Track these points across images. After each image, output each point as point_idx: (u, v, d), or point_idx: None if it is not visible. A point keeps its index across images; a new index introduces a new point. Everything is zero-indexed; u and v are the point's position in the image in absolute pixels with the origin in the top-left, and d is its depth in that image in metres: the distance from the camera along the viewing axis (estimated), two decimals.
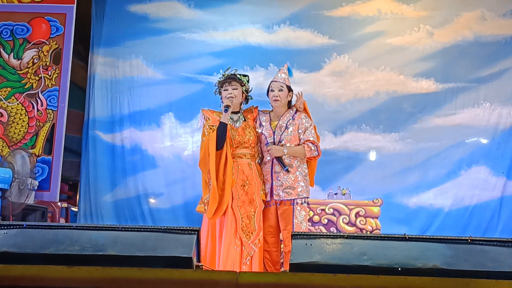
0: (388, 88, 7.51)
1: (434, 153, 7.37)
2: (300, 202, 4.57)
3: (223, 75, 4.75)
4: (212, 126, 4.59)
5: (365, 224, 6.27)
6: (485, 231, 6.93)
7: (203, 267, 2.75)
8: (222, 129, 4.51)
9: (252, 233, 4.47)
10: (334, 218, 6.29)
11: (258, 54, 7.56)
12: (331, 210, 6.33)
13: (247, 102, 4.84)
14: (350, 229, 6.23)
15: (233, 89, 4.67)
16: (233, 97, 4.62)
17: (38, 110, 6.91)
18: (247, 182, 4.56)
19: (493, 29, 7.53)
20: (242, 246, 4.44)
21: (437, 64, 7.54)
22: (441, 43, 7.55)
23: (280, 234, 4.65)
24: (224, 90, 4.70)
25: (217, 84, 4.78)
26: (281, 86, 4.70)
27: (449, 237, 2.70)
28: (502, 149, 7.30)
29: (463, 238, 2.68)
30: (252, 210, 4.53)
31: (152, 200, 7.35)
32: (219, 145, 4.49)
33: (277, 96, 4.68)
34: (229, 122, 4.60)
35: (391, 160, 7.38)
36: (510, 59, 7.46)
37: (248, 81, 4.77)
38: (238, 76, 4.71)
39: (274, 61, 7.36)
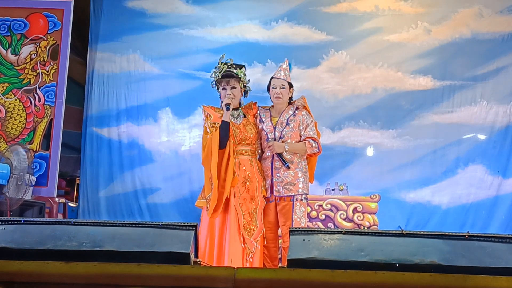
0: (385, 84, 7.52)
1: (431, 150, 7.39)
2: (299, 198, 4.58)
3: (218, 66, 4.70)
4: (214, 123, 4.56)
5: (362, 219, 6.28)
6: (480, 230, 6.94)
7: (201, 262, 2.75)
8: (224, 128, 4.49)
9: (253, 230, 4.47)
10: (331, 214, 6.31)
11: (256, 51, 7.56)
12: (329, 206, 6.34)
13: (246, 95, 4.82)
14: (347, 225, 6.24)
15: (232, 88, 4.64)
16: (233, 98, 4.60)
17: (35, 105, 6.89)
18: (248, 179, 4.55)
19: (490, 26, 7.53)
20: (244, 243, 4.43)
21: (435, 62, 7.55)
22: (439, 40, 7.56)
23: (279, 230, 4.66)
24: (222, 89, 4.67)
25: (212, 75, 4.74)
26: (282, 83, 4.71)
27: (446, 233, 2.70)
28: (499, 148, 7.32)
29: (461, 234, 2.68)
30: (254, 207, 4.52)
31: (149, 196, 7.34)
32: (222, 144, 4.47)
33: (279, 94, 4.69)
34: (230, 119, 4.59)
35: (388, 156, 7.39)
36: (507, 56, 7.47)
37: (244, 73, 4.73)
38: (234, 72, 4.67)
39: (272, 57, 7.37)
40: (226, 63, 4.68)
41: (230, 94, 4.59)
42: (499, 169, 7.24)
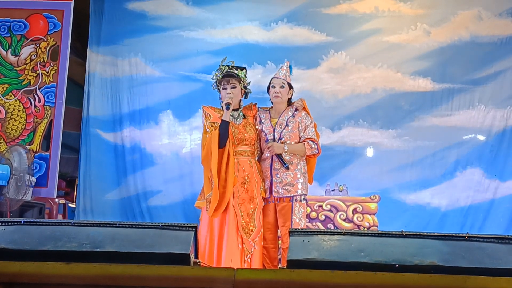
0: (385, 85, 7.53)
1: (430, 152, 7.40)
2: (299, 199, 4.58)
3: (220, 68, 4.72)
4: (214, 123, 4.58)
5: (362, 220, 6.28)
6: (478, 232, 6.91)
7: (201, 263, 2.75)
8: (224, 127, 4.50)
9: (252, 231, 4.47)
10: (331, 215, 6.30)
11: (256, 52, 7.57)
12: (328, 206, 6.34)
13: (246, 97, 4.83)
14: (347, 226, 6.24)
15: (232, 87, 4.66)
16: (233, 97, 4.61)
17: (35, 106, 6.90)
18: (247, 179, 4.56)
19: (489, 29, 7.53)
20: (242, 244, 4.44)
21: (434, 64, 7.55)
22: (438, 42, 7.57)
23: (278, 231, 4.66)
24: (222, 89, 4.70)
25: (214, 77, 4.76)
26: (282, 82, 4.73)
27: (446, 234, 2.70)
28: (496, 152, 7.33)
29: (460, 235, 2.68)
30: (252, 207, 4.52)
31: (150, 198, 7.34)
32: (222, 143, 4.48)
33: (278, 93, 4.70)
34: (230, 119, 4.60)
35: (388, 156, 7.40)
36: (505, 60, 7.47)
37: (245, 75, 4.75)
38: (235, 73, 4.69)
39: (272, 59, 7.38)
40: (227, 65, 4.71)
41: (230, 93, 4.61)
42: (496, 173, 7.26)
